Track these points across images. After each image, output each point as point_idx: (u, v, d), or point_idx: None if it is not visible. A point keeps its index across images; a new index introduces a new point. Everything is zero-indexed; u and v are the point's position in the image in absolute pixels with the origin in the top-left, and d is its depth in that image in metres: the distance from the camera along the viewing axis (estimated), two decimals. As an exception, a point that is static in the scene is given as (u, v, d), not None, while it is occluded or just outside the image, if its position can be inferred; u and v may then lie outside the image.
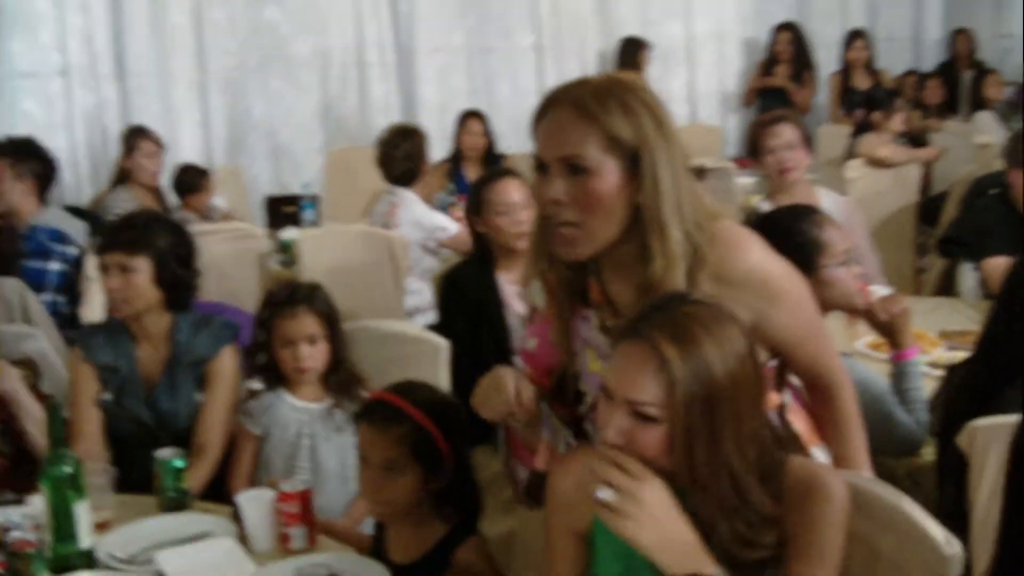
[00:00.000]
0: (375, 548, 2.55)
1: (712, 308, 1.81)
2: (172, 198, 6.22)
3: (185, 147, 7.38)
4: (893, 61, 9.52)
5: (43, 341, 3.65)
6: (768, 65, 9.07)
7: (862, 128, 6.82)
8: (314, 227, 6.11)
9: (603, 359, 2.08)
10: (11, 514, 2.52)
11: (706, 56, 9.35)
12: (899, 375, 2.92)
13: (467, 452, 2.48)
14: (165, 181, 6.26)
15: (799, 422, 2.34)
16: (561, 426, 2.26)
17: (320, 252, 5.20)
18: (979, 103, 8.58)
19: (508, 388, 2.20)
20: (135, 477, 2.84)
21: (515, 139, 7.09)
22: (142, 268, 3.10)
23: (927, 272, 5.61)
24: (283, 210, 6.58)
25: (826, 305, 2.73)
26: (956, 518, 2.29)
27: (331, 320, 3.13)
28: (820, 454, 2.29)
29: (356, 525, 2.96)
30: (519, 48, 8.61)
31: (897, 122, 6.71)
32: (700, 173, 6.18)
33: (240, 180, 7.47)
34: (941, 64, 9.53)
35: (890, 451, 2.79)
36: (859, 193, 5.98)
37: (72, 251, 4.49)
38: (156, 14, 7.37)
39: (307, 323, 3.07)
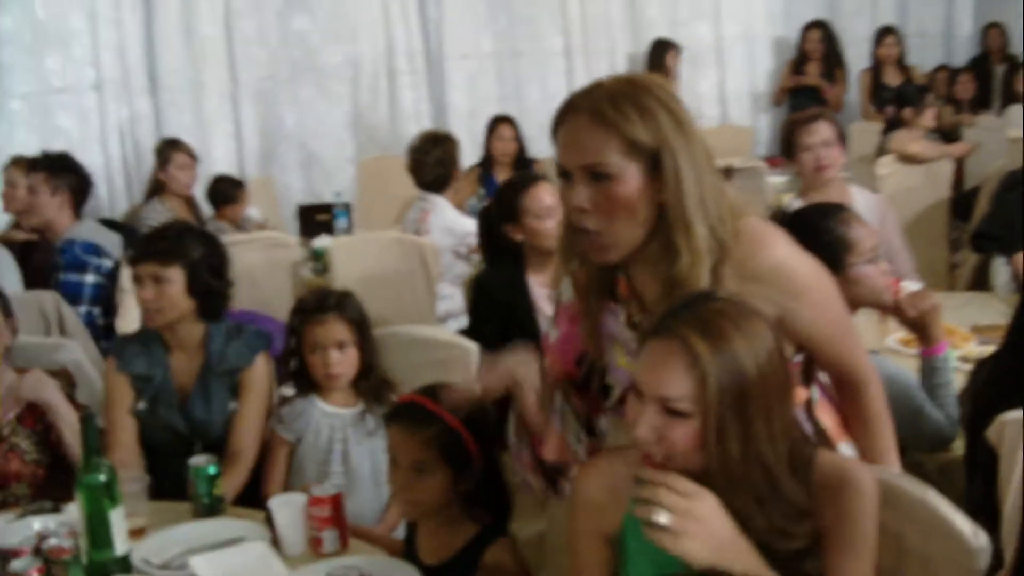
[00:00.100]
0: (407, 551, 2.57)
1: (739, 304, 1.81)
2: (206, 209, 6.27)
3: (218, 158, 7.44)
4: (924, 57, 9.44)
5: (78, 352, 3.69)
6: (798, 64, 9.02)
7: (893, 125, 6.79)
8: (347, 235, 6.15)
9: (631, 355, 2.09)
10: (48, 521, 2.56)
11: (736, 56, 9.30)
12: (928, 370, 2.91)
13: (496, 453, 2.49)
14: (199, 192, 6.32)
15: (827, 418, 2.34)
16: (573, 418, 2.27)
17: (353, 259, 5.23)
18: (1012, 97, 8.50)
19: (482, 369, 2.21)
20: (169, 484, 2.87)
21: (545, 143, 7.00)
22: (175, 278, 3.13)
23: (960, 267, 5.58)
24: (316, 219, 6.62)
25: (854, 302, 2.73)
26: (986, 512, 2.28)
27: (361, 326, 3.15)
28: (848, 450, 2.29)
29: (390, 531, 2.98)
30: (548, 52, 8.60)
31: (928, 118, 6.66)
32: (728, 173, 6.16)
33: (272, 190, 7.52)
34: (973, 59, 9.44)
35: (920, 446, 2.79)
36: (891, 189, 5.95)
37: (107, 263, 4.54)
38: (187, 27, 7.44)
39: (336, 329, 3.09)
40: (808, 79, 8.92)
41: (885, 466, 2.20)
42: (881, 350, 3.20)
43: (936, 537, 1.92)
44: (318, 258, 5.67)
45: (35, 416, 3.10)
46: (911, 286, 3.21)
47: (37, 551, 2.38)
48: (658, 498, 1.71)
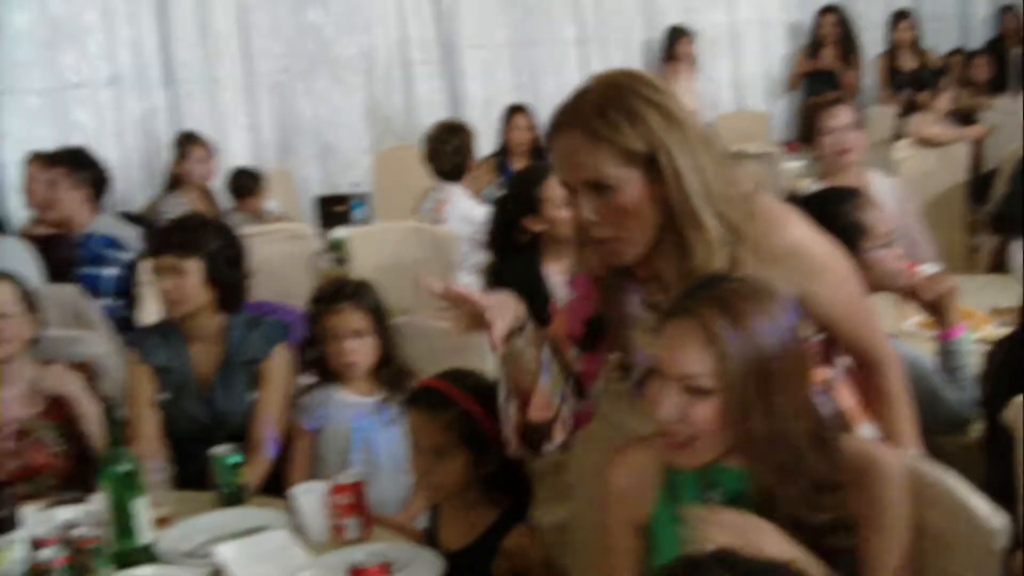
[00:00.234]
0: (428, 539, 2.59)
1: (756, 283, 1.83)
2: (223, 201, 6.30)
3: (235, 151, 7.43)
4: (940, 40, 9.40)
5: (99, 345, 3.72)
6: (813, 48, 9.00)
7: (909, 108, 6.77)
8: (365, 225, 6.16)
9: (649, 334, 2.09)
10: (75, 512, 2.59)
11: (750, 42, 9.31)
12: (946, 353, 2.91)
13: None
14: (217, 185, 6.34)
15: (847, 399, 2.34)
16: (561, 377, 2.26)
17: (371, 249, 5.24)
18: (1028, 80, 8.47)
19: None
20: (192, 474, 2.90)
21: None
22: (193, 270, 3.15)
23: (980, 250, 5.57)
24: (334, 209, 6.65)
25: (870, 287, 2.73)
26: (1004, 494, 2.28)
27: (378, 315, 3.16)
28: (868, 430, 2.30)
29: (412, 521, 2.99)
30: (563, 41, 8.61)
31: (944, 101, 6.65)
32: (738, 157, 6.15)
33: (290, 181, 7.54)
34: (989, 41, 9.41)
35: (938, 429, 2.78)
36: (908, 173, 5.93)
37: (126, 256, 4.57)
38: (202, 21, 7.45)
39: (353, 318, 3.11)
40: (825, 63, 8.89)
41: (906, 447, 2.21)
42: (899, 333, 3.20)
43: (955, 519, 1.92)
44: (336, 249, 5.68)
45: (60, 409, 3.13)
46: (928, 269, 3.21)
47: (64, 541, 2.40)
48: (717, 538, 1.68)
